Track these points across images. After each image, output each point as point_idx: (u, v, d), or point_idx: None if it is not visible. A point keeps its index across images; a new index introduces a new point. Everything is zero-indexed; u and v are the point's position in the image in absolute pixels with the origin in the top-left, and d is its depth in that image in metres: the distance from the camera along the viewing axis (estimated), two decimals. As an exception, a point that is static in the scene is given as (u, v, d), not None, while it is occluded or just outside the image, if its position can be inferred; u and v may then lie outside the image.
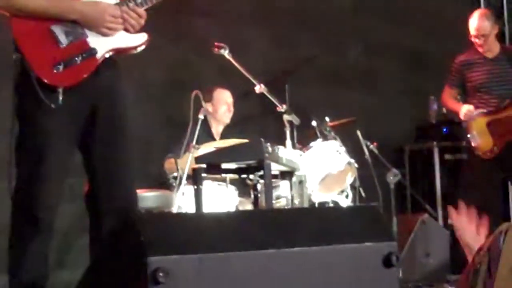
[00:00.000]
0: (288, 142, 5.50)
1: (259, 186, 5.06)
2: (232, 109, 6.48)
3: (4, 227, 3.51)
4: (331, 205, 5.99)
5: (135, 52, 3.57)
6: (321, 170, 5.72)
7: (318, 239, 2.57)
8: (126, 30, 3.52)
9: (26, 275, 3.38)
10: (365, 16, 8.04)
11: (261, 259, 2.41)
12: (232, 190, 5.47)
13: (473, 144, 6.07)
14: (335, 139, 6.05)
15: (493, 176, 6.13)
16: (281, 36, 7.53)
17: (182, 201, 5.28)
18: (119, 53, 3.54)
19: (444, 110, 7.79)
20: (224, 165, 4.87)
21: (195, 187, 4.80)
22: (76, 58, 3.39)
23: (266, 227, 2.55)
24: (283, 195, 5.56)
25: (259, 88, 5.67)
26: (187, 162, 5.18)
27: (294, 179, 5.27)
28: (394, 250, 2.62)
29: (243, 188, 5.48)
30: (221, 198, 5.37)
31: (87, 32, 3.45)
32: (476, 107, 6.10)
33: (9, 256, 3.43)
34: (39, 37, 3.37)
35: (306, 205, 5.39)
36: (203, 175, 4.88)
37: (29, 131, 3.39)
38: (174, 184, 5.38)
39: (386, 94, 8.03)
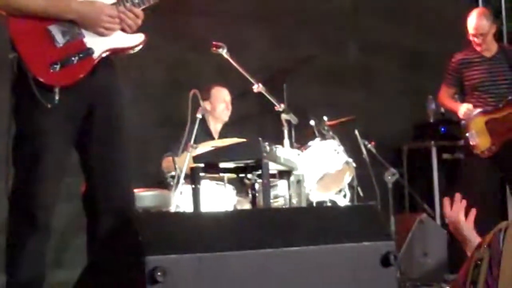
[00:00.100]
0: (286, 141, 5.50)
1: (257, 186, 5.06)
2: (230, 107, 6.49)
3: (1, 227, 3.51)
4: (329, 204, 5.99)
5: (132, 52, 3.57)
6: (319, 170, 5.72)
7: (316, 238, 2.56)
8: (123, 30, 3.51)
9: (23, 274, 3.37)
10: (363, 15, 8.04)
11: (259, 258, 2.41)
12: (230, 190, 5.47)
13: (471, 143, 6.07)
14: (333, 138, 6.05)
15: (491, 175, 6.13)
16: (279, 35, 7.53)
17: (180, 200, 5.27)
18: (116, 53, 3.54)
19: (442, 110, 7.79)
20: (222, 164, 4.87)
21: (193, 186, 4.79)
22: (73, 58, 3.38)
23: (264, 227, 2.54)
24: (281, 195, 5.55)
25: (257, 87, 5.67)
26: (185, 161, 5.18)
27: (292, 178, 5.28)
28: (392, 250, 2.62)
29: (241, 188, 5.48)
30: (219, 197, 5.37)
31: (84, 32, 3.44)
32: (474, 106, 6.11)
33: (7, 255, 3.42)
34: (36, 36, 3.37)
35: (304, 204, 5.39)
36: (201, 174, 4.88)
37: (26, 131, 3.38)
38: (172, 183, 5.38)
39: (384, 94, 8.04)
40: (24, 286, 3.38)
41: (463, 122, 6.18)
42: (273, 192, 5.37)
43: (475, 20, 6.16)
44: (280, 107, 5.65)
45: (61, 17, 3.40)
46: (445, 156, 7.81)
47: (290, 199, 5.27)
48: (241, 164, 4.85)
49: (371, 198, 6.30)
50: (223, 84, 6.51)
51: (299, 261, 2.49)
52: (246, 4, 7.35)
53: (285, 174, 5.24)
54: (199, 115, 5.51)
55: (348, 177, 5.96)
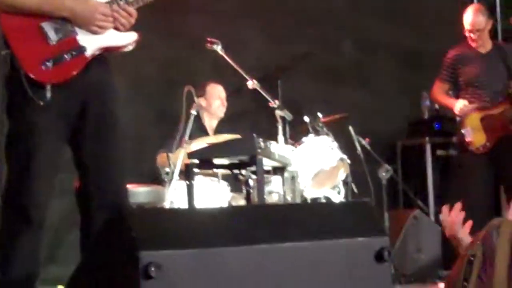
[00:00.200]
0: (281, 137, 5.50)
1: (251, 182, 5.07)
2: (225, 103, 6.50)
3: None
4: (323, 200, 5.99)
5: (124, 51, 3.56)
6: (314, 166, 5.73)
7: (310, 234, 2.56)
8: (116, 28, 3.51)
9: (16, 272, 3.36)
10: (357, 13, 8.04)
11: (253, 254, 2.41)
12: (224, 186, 5.48)
13: (466, 140, 6.08)
14: (327, 135, 6.05)
15: (485, 172, 6.14)
16: (274, 32, 7.52)
17: (174, 196, 5.27)
18: (109, 52, 3.54)
19: (437, 106, 7.80)
20: (217, 161, 4.87)
21: (187, 182, 4.79)
22: (65, 56, 3.38)
23: (258, 223, 2.54)
24: (275, 191, 5.56)
25: (252, 83, 5.67)
26: (179, 158, 5.18)
27: (286, 174, 5.28)
28: (386, 245, 2.62)
29: (235, 184, 5.49)
30: (213, 193, 5.37)
31: (77, 29, 3.44)
32: (469, 102, 6.12)
33: (0, 253, 3.41)
34: (29, 33, 3.36)
35: (298, 200, 5.40)
36: (196, 170, 4.88)
37: (18, 128, 3.38)
38: (166, 179, 5.38)
39: (378, 90, 8.04)
40: (18, 284, 3.38)
41: (458, 118, 6.19)
42: (267, 188, 5.37)
43: (471, 16, 6.17)
44: (274, 103, 5.65)
45: (54, 15, 3.40)
46: (439, 152, 7.82)
47: (284, 195, 5.28)
48: (235, 160, 4.85)
49: (365, 194, 6.31)
50: (217, 81, 6.51)
51: (293, 257, 2.49)
52: (241, 2, 7.35)
53: (279, 170, 5.24)
54: (193, 112, 5.51)
55: (342, 173, 5.96)
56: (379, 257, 2.61)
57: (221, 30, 6.48)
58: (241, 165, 4.90)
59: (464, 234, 3.13)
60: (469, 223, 3.17)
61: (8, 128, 3.41)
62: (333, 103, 7.12)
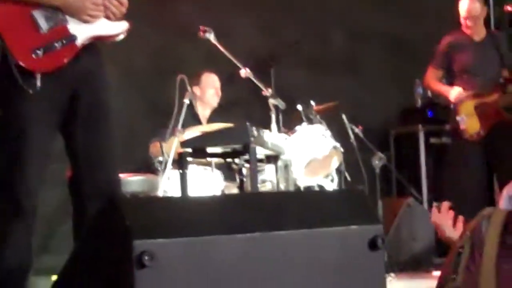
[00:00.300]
0: (274, 126, 5.50)
1: (244, 170, 5.07)
2: (219, 92, 6.51)
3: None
4: (316, 189, 5.99)
5: (115, 40, 3.55)
6: (307, 154, 5.73)
7: (304, 222, 2.56)
8: (107, 17, 3.50)
9: (9, 261, 3.36)
10: (349, 1, 8.03)
11: (247, 242, 2.41)
12: (218, 175, 5.48)
13: (461, 127, 6.09)
14: (320, 123, 6.06)
15: (478, 159, 6.15)
16: (266, 21, 7.52)
17: (168, 185, 5.27)
18: (99, 41, 3.53)
19: (430, 94, 7.81)
20: (210, 149, 4.87)
21: (181, 171, 4.79)
22: (56, 44, 3.36)
23: (251, 211, 2.54)
24: (269, 179, 5.56)
25: (245, 72, 5.66)
26: (172, 146, 5.18)
27: (279, 163, 5.28)
28: (379, 233, 2.62)
29: (229, 172, 5.49)
30: (207, 182, 5.37)
31: (68, 18, 3.42)
32: (463, 90, 6.13)
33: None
34: (19, 21, 3.34)
35: (291, 189, 5.40)
36: (189, 159, 4.87)
37: (8, 117, 3.36)
38: (159, 168, 5.38)
39: (371, 78, 8.04)
40: (11, 273, 3.37)
41: (452, 105, 6.20)
42: (260, 177, 5.37)
43: (467, 3, 6.18)
44: (267, 92, 5.64)
45: (46, 3, 3.38)
46: (432, 140, 7.83)
47: (277, 184, 5.28)
48: (228, 149, 4.85)
49: (358, 182, 6.32)
50: (210, 69, 6.51)
51: (287, 245, 2.49)
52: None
53: (272, 158, 5.24)
54: (186, 100, 5.50)
55: (335, 161, 5.96)
56: (372, 245, 2.61)
57: (213, 18, 6.47)
58: (234, 154, 4.90)
59: (454, 233, 3.15)
60: (460, 219, 3.18)
61: (-1, 117, 3.40)
62: (326, 92, 7.11)
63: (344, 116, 6.59)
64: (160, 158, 5.40)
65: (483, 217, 2.49)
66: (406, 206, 6.75)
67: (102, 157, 3.48)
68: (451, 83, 6.30)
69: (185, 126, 5.44)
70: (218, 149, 4.88)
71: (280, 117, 6.09)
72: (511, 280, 2.38)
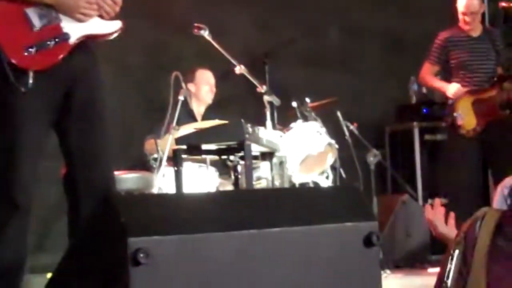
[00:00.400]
0: (269, 123, 5.50)
1: (239, 167, 5.06)
2: (214, 89, 6.51)
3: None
4: (311, 186, 5.99)
5: (109, 38, 3.55)
6: (302, 151, 5.73)
7: (299, 219, 2.56)
8: (101, 16, 3.49)
9: (4, 258, 3.35)
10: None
11: (242, 239, 2.41)
12: (213, 172, 5.47)
13: (458, 123, 6.10)
14: (315, 120, 6.05)
15: (473, 156, 6.16)
16: (261, 17, 7.51)
17: (163, 182, 5.27)
18: (93, 39, 3.52)
19: (424, 90, 7.81)
20: (205, 146, 4.86)
21: (175, 168, 4.78)
22: (49, 42, 3.35)
23: (247, 208, 2.54)
24: (264, 176, 5.56)
25: (239, 69, 5.66)
26: (167, 144, 5.17)
27: (274, 160, 5.27)
28: (374, 230, 2.62)
29: (224, 169, 5.48)
30: (202, 179, 5.36)
31: (62, 16, 3.41)
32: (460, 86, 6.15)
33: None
34: (12, 19, 3.33)
35: (286, 186, 5.39)
36: (184, 156, 4.87)
37: (1, 114, 3.36)
38: (154, 165, 5.37)
39: (366, 75, 8.04)
40: (5, 270, 3.37)
41: (450, 101, 6.21)
42: (255, 174, 5.37)
43: None
44: (262, 88, 5.64)
45: (39, 1, 3.37)
46: (427, 137, 7.83)
47: (272, 181, 5.27)
48: (223, 146, 4.84)
49: (353, 179, 6.32)
50: (205, 66, 6.51)
51: (282, 242, 2.49)
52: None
53: (267, 155, 5.24)
54: (181, 97, 5.49)
55: (330, 158, 5.96)
56: (367, 241, 2.61)
57: (208, 15, 6.46)
58: (229, 151, 4.89)
59: (446, 229, 3.15)
60: (452, 215, 3.19)
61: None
62: (321, 88, 7.11)
63: (339, 113, 6.60)
64: (155, 155, 5.40)
65: (477, 218, 2.49)
66: (401, 203, 6.76)
67: (97, 155, 3.48)
68: (446, 79, 6.31)
69: (180, 123, 5.43)
70: (213, 146, 4.88)
71: (275, 114, 6.08)
72: (501, 281, 2.37)
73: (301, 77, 7.53)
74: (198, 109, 6.50)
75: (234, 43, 6.48)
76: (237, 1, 7.36)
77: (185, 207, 2.47)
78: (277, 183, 5.27)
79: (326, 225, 2.59)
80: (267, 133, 5.07)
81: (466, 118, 6.10)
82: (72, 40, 3.40)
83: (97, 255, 2.38)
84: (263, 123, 5.36)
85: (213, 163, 5.40)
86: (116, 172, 3.82)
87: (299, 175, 5.82)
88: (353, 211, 2.68)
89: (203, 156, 5.11)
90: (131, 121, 6.58)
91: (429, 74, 6.41)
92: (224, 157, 5.04)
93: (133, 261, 2.18)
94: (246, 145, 4.62)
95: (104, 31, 3.51)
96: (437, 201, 3.23)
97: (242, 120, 4.63)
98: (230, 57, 5.57)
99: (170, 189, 5.17)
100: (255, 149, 4.96)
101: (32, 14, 3.36)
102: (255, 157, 5.17)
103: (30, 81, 3.27)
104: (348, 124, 6.66)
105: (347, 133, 6.58)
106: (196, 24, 5.51)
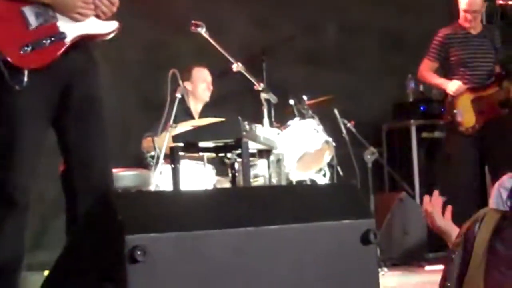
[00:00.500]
0: (266, 120, 5.50)
1: (236, 165, 5.05)
2: (211, 87, 6.50)
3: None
4: (308, 183, 5.99)
5: (105, 39, 3.54)
6: (299, 149, 5.73)
7: (296, 217, 2.56)
8: (97, 16, 3.49)
9: (1, 257, 3.35)
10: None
11: (239, 237, 2.41)
12: (210, 169, 5.47)
13: (458, 120, 6.11)
14: (312, 117, 6.06)
15: (471, 153, 6.17)
16: (258, 15, 7.51)
17: (160, 180, 5.27)
18: (89, 39, 3.52)
19: (422, 88, 7.81)
20: (202, 144, 4.86)
21: (173, 166, 4.78)
22: (45, 41, 3.35)
23: (244, 205, 2.54)
24: (261, 174, 5.56)
25: (237, 66, 5.66)
26: (164, 141, 5.17)
27: (271, 157, 5.27)
28: (372, 228, 2.62)
29: (221, 167, 5.48)
30: (199, 177, 5.37)
31: (58, 16, 3.41)
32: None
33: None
34: (8, 17, 3.33)
35: (283, 183, 5.40)
36: (181, 153, 4.86)
37: None
38: (151, 163, 5.37)
39: (363, 73, 8.04)
40: (3, 267, 3.37)
41: (450, 98, 6.22)
42: (253, 172, 5.37)
43: None
44: (259, 86, 5.65)
45: (36, 0, 3.37)
46: (425, 135, 7.83)
47: (270, 179, 5.27)
48: (220, 143, 4.84)
49: (350, 177, 6.32)
50: (202, 64, 6.51)
51: (279, 240, 2.49)
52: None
53: (265, 153, 5.23)
54: (178, 95, 5.50)
55: (327, 156, 5.97)
56: (365, 239, 2.61)
57: (205, 12, 6.47)
58: (226, 148, 4.89)
59: (443, 222, 3.14)
60: (449, 208, 3.18)
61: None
62: (318, 86, 7.11)
63: (336, 111, 6.60)
64: (152, 153, 5.40)
65: (477, 220, 2.49)
66: (398, 201, 6.76)
67: (95, 152, 3.48)
68: (445, 76, 6.31)
69: (177, 120, 5.43)
70: (210, 144, 4.87)
71: (272, 111, 6.08)
72: (499, 287, 2.37)
73: (298, 75, 7.52)
74: (195, 106, 6.50)
75: (232, 41, 6.48)
76: (235, -1, 7.37)
77: (182, 204, 2.46)
78: (274, 181, 5.28)
79: (323, 222, 2.59)
80: (265, 131, 5.07)
81: (466, 116, 6.11)
82: (68, 39, 3.40)
83: (94, 252, 2.38)
84: (260, 121, 5.37)
85: (210, 161, 5.40)
86: (113, 170, 3.82)
87: (296, 173, 5.82)
88: (350, 208, 2.68)
89: (201, 153, 5.11)
90: (128, 119, 6.58)
91: (428, 71, 6.41)
92: (221, 154, 5.04)
93: (131, 258, 2.18)
94: (243, 143, 4.62)
95: (100, 31, 3.51)
96: (436, 192, 3.22)
97: (239, 118, 4.63)
98: (227, 55, 5.57)
99: (168, 186, 5.17)
100: (252, 147, 4.96)
101: (29, 12, 3.35)
102: (252, 155, 5.17)
103: (25, 79, 3.27)
104: (346, 121, 6.66)
105: (344, 130, 6.58)
106: (193, 22, 5.51)
